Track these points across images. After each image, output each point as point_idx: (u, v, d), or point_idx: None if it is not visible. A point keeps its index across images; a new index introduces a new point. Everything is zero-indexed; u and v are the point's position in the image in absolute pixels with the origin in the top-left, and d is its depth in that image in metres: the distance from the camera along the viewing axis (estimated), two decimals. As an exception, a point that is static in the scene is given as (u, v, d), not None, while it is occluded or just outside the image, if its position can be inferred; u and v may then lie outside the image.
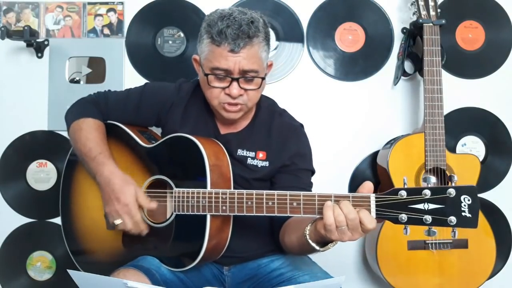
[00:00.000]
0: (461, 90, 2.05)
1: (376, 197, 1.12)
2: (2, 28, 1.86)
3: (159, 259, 1.39)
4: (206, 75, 1.37)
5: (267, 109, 1.53)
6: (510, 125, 2.07)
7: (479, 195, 1.93)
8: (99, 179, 1.39)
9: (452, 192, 1.06)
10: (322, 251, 1.21)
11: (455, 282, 1.80)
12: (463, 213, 1.06)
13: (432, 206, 1.07)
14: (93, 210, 1.51)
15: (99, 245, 1.52)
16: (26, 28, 1.92)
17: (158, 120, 1.55)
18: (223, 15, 1.34)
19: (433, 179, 1.11)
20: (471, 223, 1.06)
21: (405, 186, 1.11)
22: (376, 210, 1.12)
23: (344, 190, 2.05)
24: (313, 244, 1.20)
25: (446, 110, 1.86)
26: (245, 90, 1.37)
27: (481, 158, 2.01)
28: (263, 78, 1.39)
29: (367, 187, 1.15)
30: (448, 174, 1.79)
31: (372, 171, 2.03)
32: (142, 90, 1.56)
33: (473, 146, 2.06)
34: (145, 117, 1.55)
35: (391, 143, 1.89)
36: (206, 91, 1.42)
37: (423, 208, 1.08)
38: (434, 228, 1.09)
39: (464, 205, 1.06)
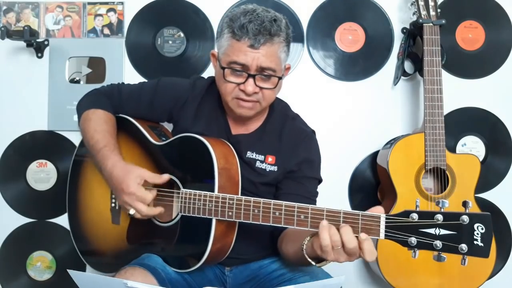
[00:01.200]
0: (461, 90, 2.05)
1: (386, 218, 1.09)
2: (2, 28, 1.86)
3: (163, 259, 1.39)
4: (223, 68, 1.35)
5: (279, 112, 1.51)
6: (510, 125, 2.06)
7: (479, 195, 1.99)
8: (104, 173, 1.39)
9: (465, 219, 1.03)
10: (318, 266, 1.19)
11: (455, 282, 1.80)
12: (475, 242, 1.02)
13: (443, 231, 1.04)
14: (98, 206, 1.52)
15: (105, 241, 1.52)
16: (26, 28, 1.92)
17: (170, 117, 1.54)
18: (246, 11, 1.33)
19: (446, 203, 1.06)
20: (483, 252, 1.02)
21: (417, 209, 1.08)
22: (386, 232, 1.09)
23: (344, 190, 2.05)
24: (309, 260, 1.18)
25: (446, 110, 1.85)
26: (261, 88, 1.35)
27: (481, 158, 2.01)
28: (280, 78, 1.37)
29: (379, 211, 1.12)
30: (449, 175, 1.80)
31: (372, 171, 2.03)
32: (156, 85, 1.54)
33: (473, 146, 2.06)
34: (157, 112, 1.54)
35: (391, 143, 1.88)
36: (221, 85, 1.40)
37: (434, 233, 1.05)
38: (443, 254, 1.06)
39: (477, 234, 1.02)
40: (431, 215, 1.05)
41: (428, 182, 1.84)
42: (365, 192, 2.05)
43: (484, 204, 2.02)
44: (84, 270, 1.82)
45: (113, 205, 1.49)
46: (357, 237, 1.09)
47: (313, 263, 1.18)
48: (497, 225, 1.95)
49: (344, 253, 1.09)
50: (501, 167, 2.07)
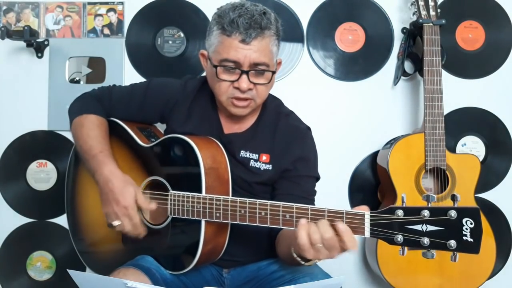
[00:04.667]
0: (461, 90, 2.05)
1: (371, 215, 1.05)
2: (2, 28, 1.86)
3: (157, 261, 1.38)
4: (215, 66, 1.33)
5: (273, 110, 1.49)
6: (510, 125, 2.06)
7: (479, 195, 1.99)
8: (98, 177, 1.37)
9: (453, 214, 0.98)
10: (307, 265, 1.18)
11: (455, 282, 1.80)
12: (464, 237, 0.98)
13: (430, 227, 1.00)
14: (94, 210, 1.51)
15: (102, 242, 1.52)
16: (26, 28, 1.92)
17: (162, 117, 1.53)
18: (235, 6, 1.32)
19: (434, 198, 1.02)
20: (473, 248, 0.98)
21: (403, 205, 1.04)
22: (371, 229, 1.05)
23: (344, 190, 2.05)
24: (298, 259, 1.17)
25: (446, 110, 1.85)
26: (255, 84, 1.33)
27: (481, 158, 2.01)
28: (273, 72, 1.35)
29: (363, 209, 1.09)
30: (449, 175, 1.80)
31: (372, 171, 2.03)
32: (146, 86, 1.53)
33: (473, 146, 2.06)
34: (148, 114, 1.53)
35: (391, 143, 1.88)
36: (214, 85, 1.38)
37: (420, 229, 1.01)
38: (433, 251, 1.03)
39: (466, 229, 0.98)
40: (417, 210, 1.01)
41: (428, 182, 1.84)
42: (365, 192, 2.05)
43: (484, 204, 2.02)
44: (84, 270, 1.82)
45: None
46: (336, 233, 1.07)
47: (302, 262, 1.16)
48: (497, 225, 1.95)
49: (324, 249, 1.07)
50: (501, 167, 2.07)
